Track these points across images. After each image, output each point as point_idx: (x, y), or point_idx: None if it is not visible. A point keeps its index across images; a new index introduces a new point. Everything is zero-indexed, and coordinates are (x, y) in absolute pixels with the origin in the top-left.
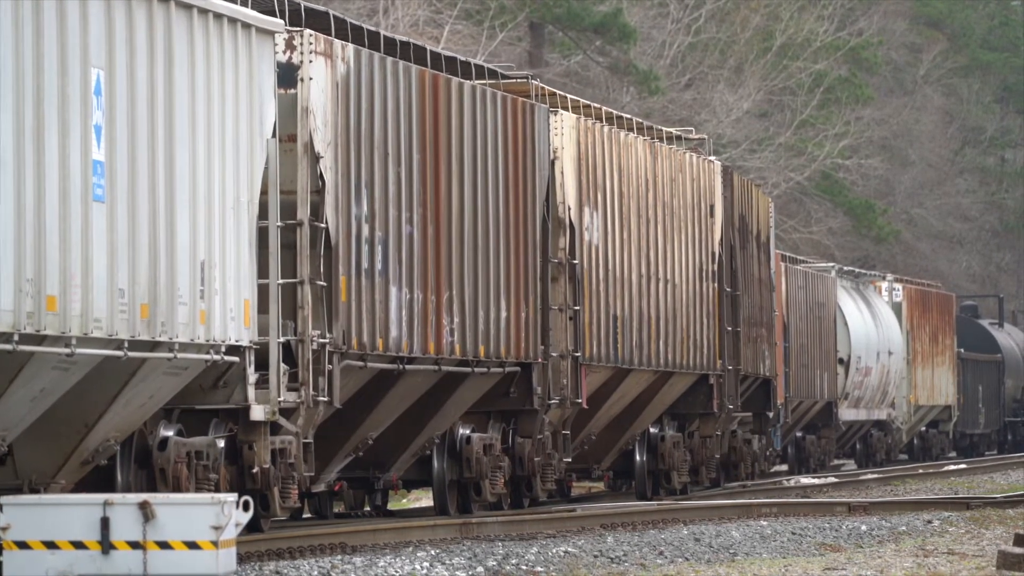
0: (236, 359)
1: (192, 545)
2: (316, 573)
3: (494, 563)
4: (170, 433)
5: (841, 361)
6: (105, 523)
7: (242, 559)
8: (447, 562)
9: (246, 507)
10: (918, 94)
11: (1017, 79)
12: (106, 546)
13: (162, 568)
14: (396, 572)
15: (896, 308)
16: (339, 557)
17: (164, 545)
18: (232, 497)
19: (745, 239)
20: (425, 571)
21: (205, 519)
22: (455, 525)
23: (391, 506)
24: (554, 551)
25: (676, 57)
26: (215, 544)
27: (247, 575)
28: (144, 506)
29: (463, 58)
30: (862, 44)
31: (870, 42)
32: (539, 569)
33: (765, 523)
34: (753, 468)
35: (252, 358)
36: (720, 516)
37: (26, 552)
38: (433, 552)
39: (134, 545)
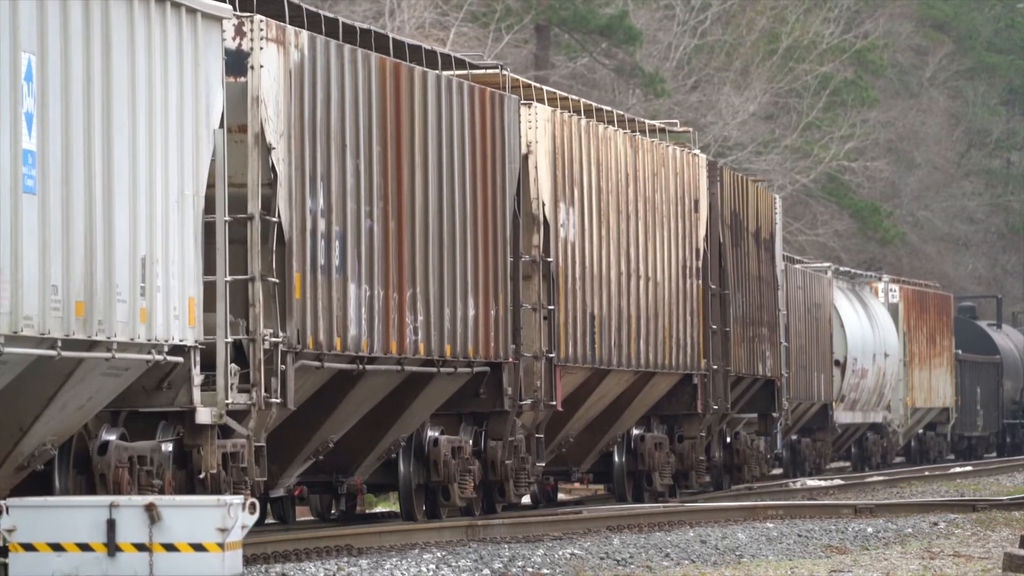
0: (180, 359)
1: (198, 547)
2: (322, 575)
3: (500, 565)
4: (112, 437)
5: (837, 363)
6: (111, 525)
7: (248, 561)
8: (453, 564)
9: (252, 509)
10: (924, 96)
11: (1023, 81)
12: (112, 548)
13: (168, 570)
14: (402, 574)
15: (893, 309)
16: (345, 559)
17: (170, 547)
18: (238, 499)
19: (739, 236)
20: (431, 573)
21: (211, 521)
22: (461, 527)
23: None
24: (560, 553)
25: (682, 59)
26: (221, 546)
27: None
28: (150, 508)
29: (429, 47)
30: (868, 46)
31: (876, 44)
32: (545, 571)
33: (771, 525)
34: (759, 470)
35: (197, 358)
36: (726, 518)
37: (32, 554)
38: (439, 554)
39: (140, 547)
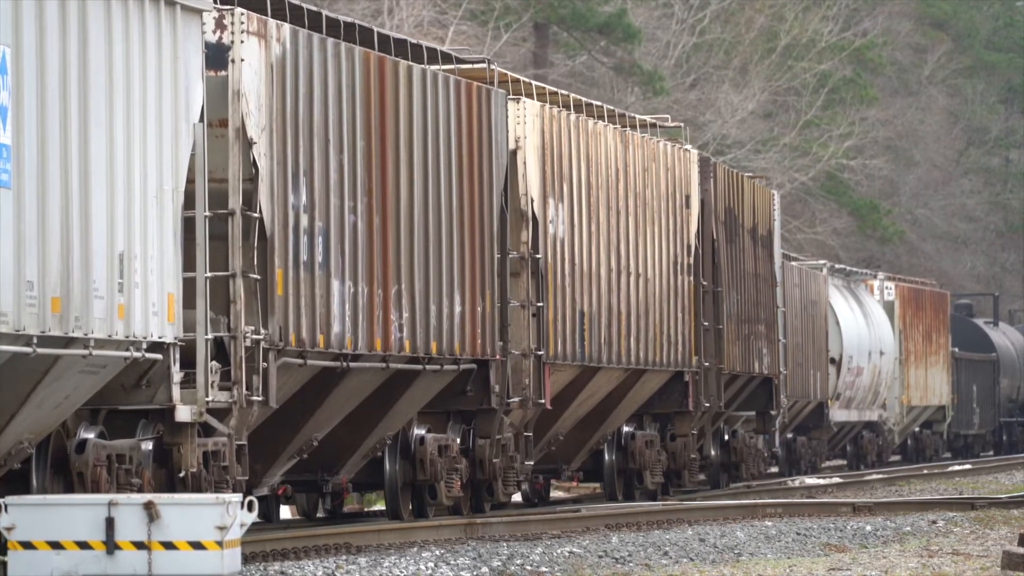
0: (159, 356)
1: (197, 545)
2: (321, 573)
3: (499, 563)
4: (90, 435)
5: (833, 361)
6: (110, 523)
7: (247, 559)
8: (452, 562)
9: (251, 507)
10: (923, 95)
11: (1022, 79)
12: (111, 546)
13: (167, 568)
14: (401, 572)
15: (888, 307)
16: (344, 557)
17: (169, 545)
18: (237, 497)
19: (734, 232)
20: (430, 571)
21: (210, 519)
22: (460, 525)
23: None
24: (559, 551)
25: (681, 57)
26: (220, 544)
27: (252, 575)
28: (149, 506)
29: (415, 41)
30: (867, 45)
31: (875, 43)
32: (544, 569)
33: (770, 523)
34: (757, 468)
35: (177, 355)
36: (725, 516)
37: (31, 552)
38: (438, 552)
39: (139, 545)
